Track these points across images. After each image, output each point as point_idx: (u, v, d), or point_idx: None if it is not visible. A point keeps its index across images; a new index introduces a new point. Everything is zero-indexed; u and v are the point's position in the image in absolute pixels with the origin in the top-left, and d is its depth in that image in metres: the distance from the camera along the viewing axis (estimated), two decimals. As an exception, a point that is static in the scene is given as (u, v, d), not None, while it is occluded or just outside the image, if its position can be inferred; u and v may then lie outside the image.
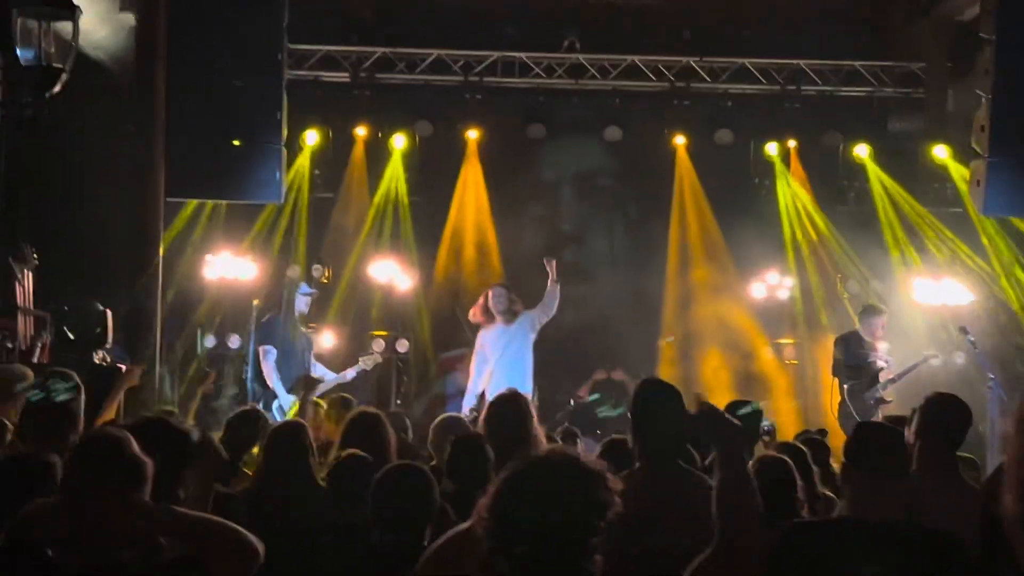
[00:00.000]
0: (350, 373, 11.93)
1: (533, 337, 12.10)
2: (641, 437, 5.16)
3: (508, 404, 6.35)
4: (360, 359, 12.15)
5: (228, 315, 14.27)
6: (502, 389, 8.79)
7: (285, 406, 11.34)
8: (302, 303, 12.09)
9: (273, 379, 11.62)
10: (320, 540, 5.09)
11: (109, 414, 7.30)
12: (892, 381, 12.14)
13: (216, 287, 13.76)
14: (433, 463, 6.65)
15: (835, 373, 12.23)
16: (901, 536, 4.21)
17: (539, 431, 6.44)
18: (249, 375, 12.00)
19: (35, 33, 7.79)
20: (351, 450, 5.99)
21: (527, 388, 11.44)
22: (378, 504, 4.85)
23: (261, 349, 11.72)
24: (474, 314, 12.30)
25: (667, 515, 4.86)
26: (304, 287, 12.41)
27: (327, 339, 13.45)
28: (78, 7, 8.10)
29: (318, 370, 11.73)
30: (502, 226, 15.72)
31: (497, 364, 11.89)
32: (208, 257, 13.62)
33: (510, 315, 12.04)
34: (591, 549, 2.92)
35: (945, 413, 5.52)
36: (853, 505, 4.40)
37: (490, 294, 12.18)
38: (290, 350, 11.75)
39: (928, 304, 14.30)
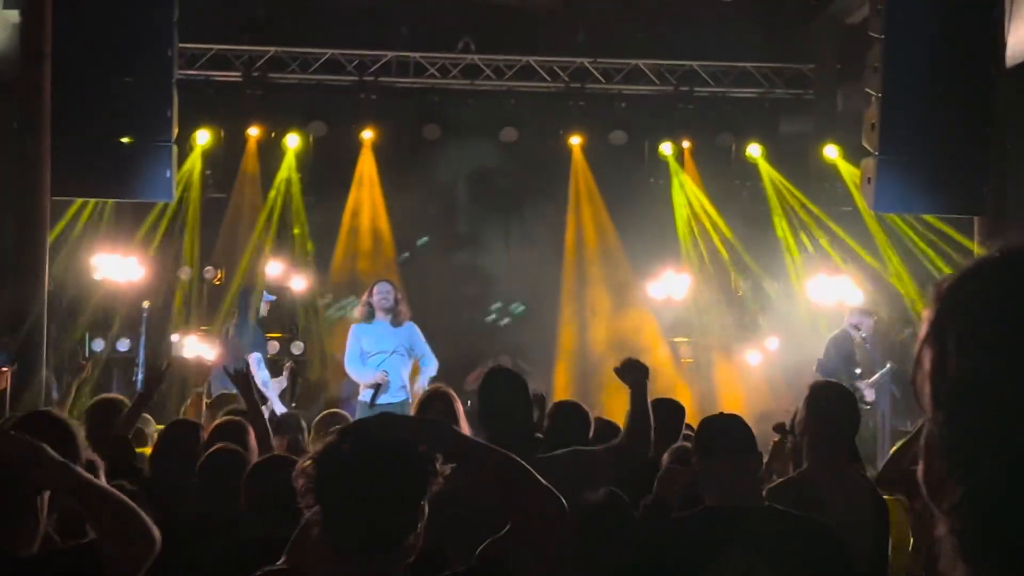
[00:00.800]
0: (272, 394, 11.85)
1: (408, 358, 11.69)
2: (486, 427, 5.31)
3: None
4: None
5: (116, 317, 13.99)
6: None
7: (278, 411, 11.13)
8: (263, 309, 11.98)
9: (269, 388, 11.49)
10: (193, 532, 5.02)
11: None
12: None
13: (103, 288, 13.48)
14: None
15: (819, 371, 12.28)
16: (763, 520, 4.31)
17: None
18: (139, 378, 11.77)
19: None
20: (221, 444, 5.91)
21: (405, 394, 11.28)
22: (250, 494, 4.81)
23: (252, 358, 11.52)
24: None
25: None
26: (266, 294, 12.29)
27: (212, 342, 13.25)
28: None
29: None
30: (398, 227, 15.63)
31: (385, 364, 11.56)
32: (94, 258, 13.34)
33: (395, 316, 11.67)
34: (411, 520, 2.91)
35: (829, 402, 5.39)
36: (711, 493, 4.46)
37: (374, 289, 11.77)
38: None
39: (823, 302, 14.52)
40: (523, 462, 3.13)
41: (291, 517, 4.61)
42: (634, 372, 5.61)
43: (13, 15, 12.16)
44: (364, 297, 11.82)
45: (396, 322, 11.62)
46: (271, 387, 11.88)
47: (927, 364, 1.33)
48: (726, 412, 5.07)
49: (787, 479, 5.50)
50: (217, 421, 6.78)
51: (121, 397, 7.51)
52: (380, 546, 2.91)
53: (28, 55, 11.38)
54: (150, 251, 14.06)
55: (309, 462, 2.93)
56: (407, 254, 15.57)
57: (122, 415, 6.68)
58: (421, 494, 2.91)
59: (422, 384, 11.28)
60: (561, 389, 14.49)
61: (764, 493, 4.75)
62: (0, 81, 12.23)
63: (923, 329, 1.34)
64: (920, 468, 1.35)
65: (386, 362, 11.45)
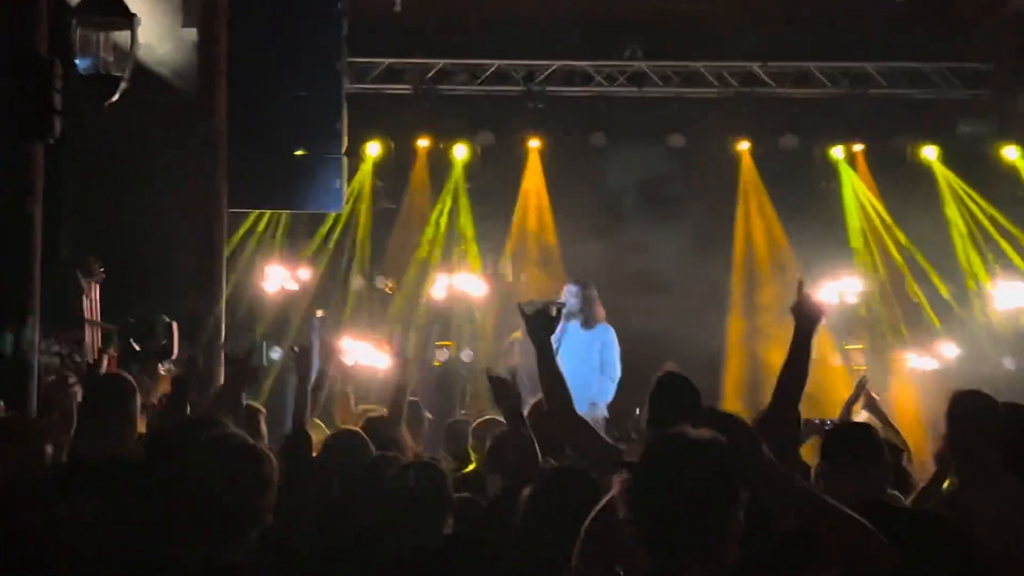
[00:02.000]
0: None
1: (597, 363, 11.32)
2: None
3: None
4: None
5: (291, 327, 14.33)
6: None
7: None
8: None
9: None
10: None
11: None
12: None
13: (278, 298, 13.83)
14: (472, 467, 6.66)
15: None
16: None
17: None
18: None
19: (93, 42, 7.85)
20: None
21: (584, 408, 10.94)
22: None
23: None
24: None
25: None
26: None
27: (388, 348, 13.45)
28: (136, 15, 8.15)
29: None
30: (565, 236, 15.66)
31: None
32: (267, 268, 13.70)
33: (584, 320, 11.42)
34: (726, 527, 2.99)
35: (970, 411, 5.17)
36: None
37: (563, 291, 11.53)
38: None
39: (1005, 308, 14.08)
40: (837, 504, 3.07)
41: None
42: (802, 315, 5.09)
43: (191, 34, 12.58)
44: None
45: (587, 325, 11.40)
46: None
47: None
48: (858, 421, 4.95)
49: (929, 493, 5.33)
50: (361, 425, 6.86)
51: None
52: (692, 552, 2.96)
53: (205, 72, 11.79)
54: (323, 262, 14.37)
55: (625, 471, 3.08)
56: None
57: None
58: (732, 501, 2.99)
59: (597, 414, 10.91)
60: (731, 394, 14.33)
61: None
62: (178, 98, 12.67)
63: None
64: None
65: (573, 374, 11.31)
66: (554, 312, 5.51)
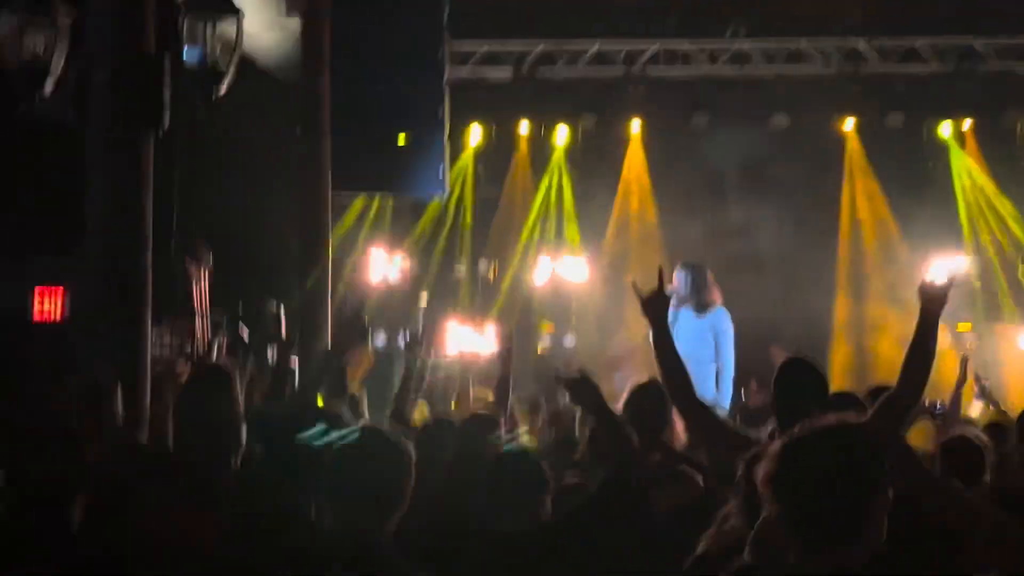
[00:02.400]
0: None
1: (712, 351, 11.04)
2: (781, 415, 5.17)
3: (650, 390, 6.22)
4: None
5: (396, 313, 14.43)
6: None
7: None
8: None
9: None
10: None
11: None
12: None
13: (382, 284, 13.92)
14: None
15: None
16: None
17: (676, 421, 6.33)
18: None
19: (200, 35, 7.96)
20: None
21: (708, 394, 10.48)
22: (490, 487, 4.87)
23: None
24: None
25: None
26: None
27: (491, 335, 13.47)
28: (240, 10, 8.25)
29: None
30: (667, 218, 15.56)
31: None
32: (373, 254, 13.80)
33: (697, 304, 11.25)
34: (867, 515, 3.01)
35: None
36: None
37: (675, 274, 11.25)
38: None
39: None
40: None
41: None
42: (927, 298, 4.99)
43: (295, 23, 12.71)
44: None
45: (700, 310, 11.14)
46: None
47: None
48: (966, 438, 4.88)
49: None
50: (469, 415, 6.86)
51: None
52: (841, 539, 3.00)
53: (309, 61, 11.91)
54: (427, 248, 14.45)
55: (770, 460, 3.09)
56: None
57: None
58: (877, 488, 3.01)
59: (722, 403, 10.70)
60: (837, 379, 14.13)
61: None
62: (283, 87, 12.80)
63: None
64: None
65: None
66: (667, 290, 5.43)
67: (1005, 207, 14.99)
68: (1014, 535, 2.99)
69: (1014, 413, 12.55)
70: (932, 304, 4.99)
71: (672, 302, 10.76)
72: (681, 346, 9.93)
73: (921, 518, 3.48)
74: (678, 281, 11.10)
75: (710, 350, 10.94)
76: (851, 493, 3.01)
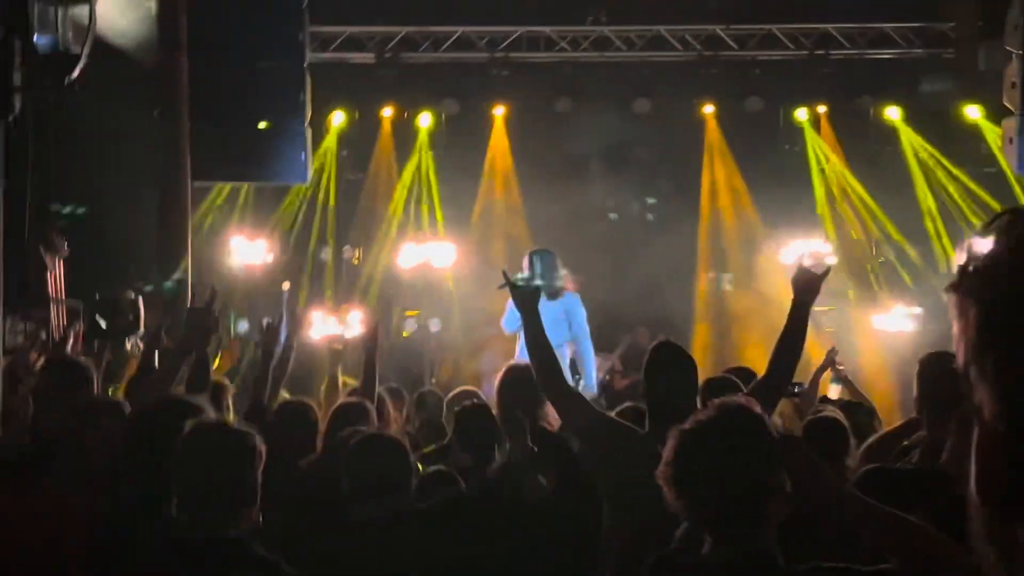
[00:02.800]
0: None
1: (568, 334, 11.10)
2: (653, 399, 5.17)
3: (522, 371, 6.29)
4: None
5: (259, 299, 14.30)
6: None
7: None
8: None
9: None
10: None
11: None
12: None
13: (244, 271, 13.78)
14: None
15: None
16: None
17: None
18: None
19: (52, 19, 7.76)
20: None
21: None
22: (353, 474, 4.84)
23: None
24: None
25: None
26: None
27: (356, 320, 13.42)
28: (93, -9, 8.06)
29: None
30: (532, 202, 15.65)
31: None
32: (234, 240, 13.65)
33: (548, 290, 11.32)
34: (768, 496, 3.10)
35: (938, 373, 5.16)
36: None
37: (524, 261, 11.41)
38: None
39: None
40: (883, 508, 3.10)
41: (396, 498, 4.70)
42: (800, 288, 5.15)
43: (151, 5, 12.47)
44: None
45: (552, 296, 11.23)
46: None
47: None
48: (828, 417, 5.03)
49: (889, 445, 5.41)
50: (337, 403, 6.80)
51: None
52: (745, 520, 3.09)
53: (165, 44, 11.68)
54: (289, 233, 14.33)
55: (671, 445, 3.19)
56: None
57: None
58: (774, 465, 3.08)
59: (589, 385, 10.93)
60: (698, 358, 14.36)
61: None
62: (140, 71, 12.55)
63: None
64: (973, 473, 1.19)
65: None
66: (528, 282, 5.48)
67: (858, 190, 15.36)
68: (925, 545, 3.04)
69: (868, 394, 12.89)
70: (806, 293, 5.14)
71: None
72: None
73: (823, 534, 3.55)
74: (528, 268, 11.05)
75: (564, 335, 11.00)
76: (750, 477, 3.09)
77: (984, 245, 1.14)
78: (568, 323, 11.14)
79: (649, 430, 5.14)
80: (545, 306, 11.09)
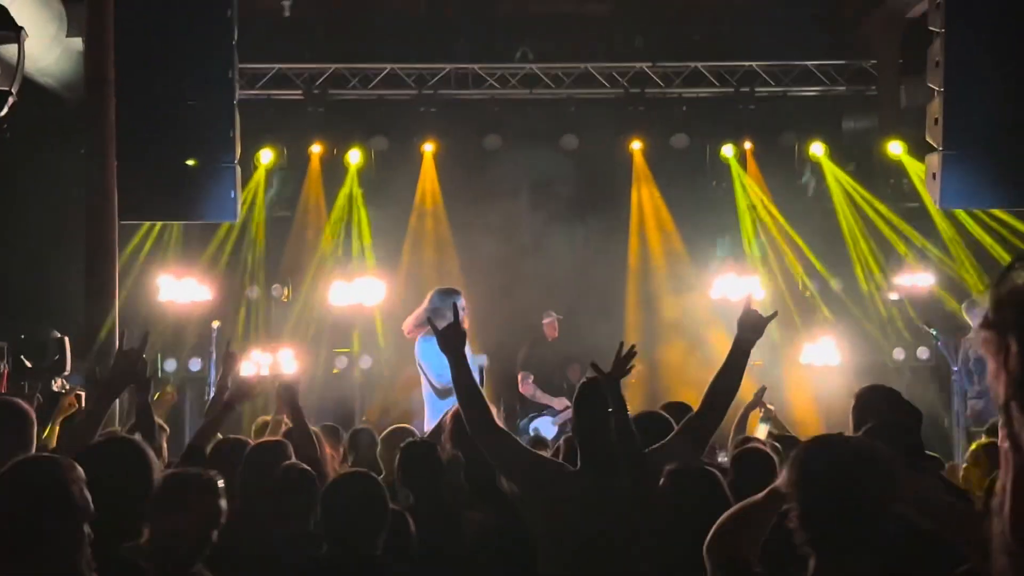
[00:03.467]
0: None
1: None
2: (582, 436, 5.22)
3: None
4: None
5: (187, 337, 14.17)
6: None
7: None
8: None
9: None
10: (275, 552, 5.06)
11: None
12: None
13: (173, 309, 13.64)
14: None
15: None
16: None
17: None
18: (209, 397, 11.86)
19: (-22, 56, 7.67)
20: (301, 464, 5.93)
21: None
22: (327, 514, 4.79)
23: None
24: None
25: (607, 515, 4.89)
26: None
27: (288, 359, 13.31)
28: (23, 28, 7.98)
29: None
30: (461, 238, 15.66)
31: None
32: (161, 279, 13.51)
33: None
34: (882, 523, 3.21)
35: (875, 405, 5.25)
36: None
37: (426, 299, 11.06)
38: None
39: (894, 300, 14.43)
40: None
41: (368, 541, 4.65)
42: (745, 328, 5.23)
43: (76, 43, 12.37)
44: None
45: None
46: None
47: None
48: (756, 448, 5.09)
49: None
50: (257, 441, 6.72)
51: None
52: (858, 547, 3.17)
53: (92, 81, 11.59)
54: (218, 271, 14.22)
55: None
56: None
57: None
58: (889, 503, 3.21)
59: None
60: (631, 391, 14.41)
61: None
62: (66, 108, 12.42)
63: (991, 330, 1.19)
64: (1006, 511, 1.19)
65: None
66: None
67: (784, 224, 15.53)
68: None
69: (796, 431, 12.99)
70: (750, 334, 5.23)
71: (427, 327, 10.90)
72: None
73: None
74: (431, 305, 10.91)
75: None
76: (868, 507, 3.18)
77: (1018, 280, 1.15)
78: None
79: (580, 467, 5.16)
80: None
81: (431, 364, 10.78)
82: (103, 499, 4.17)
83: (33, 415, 5.45)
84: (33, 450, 5.67)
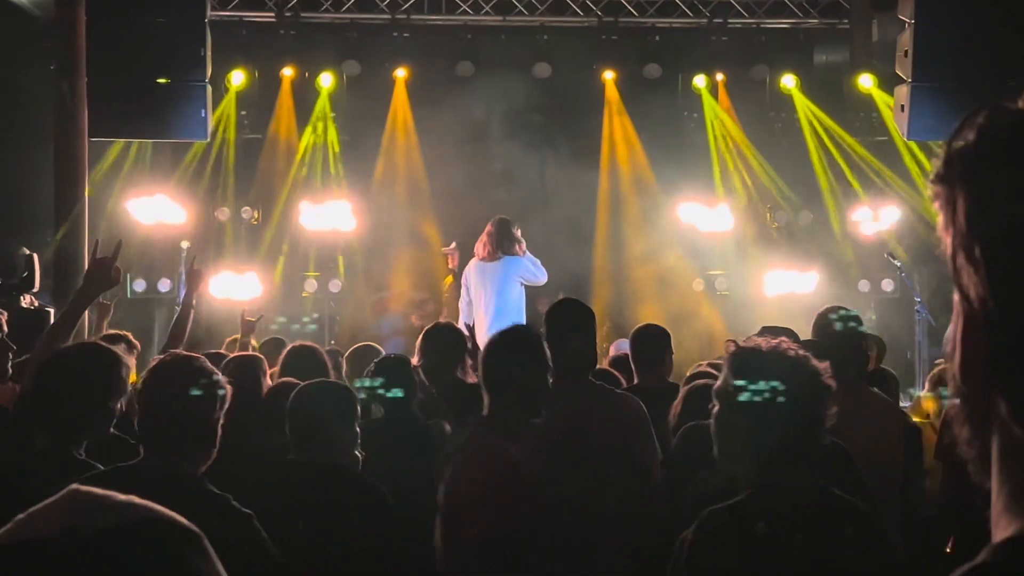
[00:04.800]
0: None
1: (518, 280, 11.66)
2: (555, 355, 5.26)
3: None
4: None
5: (157, 258, 14.16)
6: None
7: None
8: None
9: None
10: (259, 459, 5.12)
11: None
12: None
13: (141, 229, 13.63)
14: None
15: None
16: None
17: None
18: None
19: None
20: (285, 378, 6.02)
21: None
22: (294, 419, 4.83)
23: None
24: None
25: (582, 430, 4.98)
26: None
27: (254, 282, 13.36)
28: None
29: None
30: (432, 165, 15.65)
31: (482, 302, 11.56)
32: (132, 199, 13.49)
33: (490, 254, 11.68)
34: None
35: (830, 328, 5.43)
36: None
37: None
38: None
39: (862, 232, 14.55)
40: None
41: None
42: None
43: (48, -42, 12.25)
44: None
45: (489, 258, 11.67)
46: None
47: (960, 220, 1.18)
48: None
49: None
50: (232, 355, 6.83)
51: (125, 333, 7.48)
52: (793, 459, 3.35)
53: (61, -2, 11.48)
54: (187, 192, 14.20)
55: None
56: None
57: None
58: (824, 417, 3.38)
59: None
60: (599, 318, 14.51)
61: None
62: (36, 24, 12.33)
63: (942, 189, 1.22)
64: (956, 358, 1.20)
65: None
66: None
67: (755, 157, 15.61)
68: None
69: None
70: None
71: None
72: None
73: None
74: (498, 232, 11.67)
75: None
76: (805, 418, 3.38)
77: (971, 130, 1.20)
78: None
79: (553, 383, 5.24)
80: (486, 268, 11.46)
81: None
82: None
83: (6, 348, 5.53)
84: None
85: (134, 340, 7.40)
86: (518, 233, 11.82)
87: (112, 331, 7.60)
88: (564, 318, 5.36)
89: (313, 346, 6.97)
